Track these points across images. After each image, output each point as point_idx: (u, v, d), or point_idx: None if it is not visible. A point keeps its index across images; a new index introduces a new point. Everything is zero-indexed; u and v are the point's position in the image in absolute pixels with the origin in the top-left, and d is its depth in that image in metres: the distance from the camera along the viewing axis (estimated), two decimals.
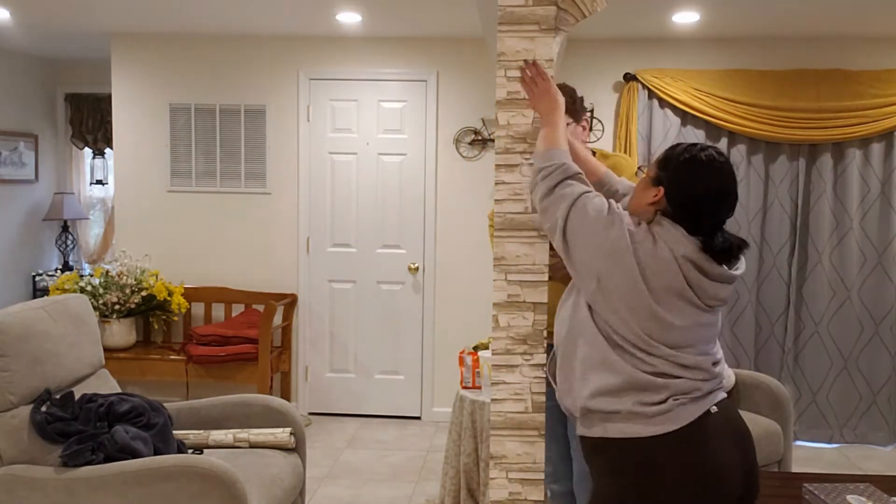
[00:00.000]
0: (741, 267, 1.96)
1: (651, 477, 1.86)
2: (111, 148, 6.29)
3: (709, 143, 1.98)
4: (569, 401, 2.02)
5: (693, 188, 1.89)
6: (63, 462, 2.69)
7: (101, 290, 4.91)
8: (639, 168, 2.14)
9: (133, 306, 4.96)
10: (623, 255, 1.87)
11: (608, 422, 1.90)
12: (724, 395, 1.97)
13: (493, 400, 2.27)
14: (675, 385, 1.88)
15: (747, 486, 1.92)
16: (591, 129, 2.65)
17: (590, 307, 1.94)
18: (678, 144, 1.98)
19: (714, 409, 1.90)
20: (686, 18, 4.44)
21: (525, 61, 2.23)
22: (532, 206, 2.19)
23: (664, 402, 1.87)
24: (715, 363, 1.96)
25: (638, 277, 1.86)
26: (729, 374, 4.02)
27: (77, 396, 2.91)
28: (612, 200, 1.98)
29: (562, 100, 2.18)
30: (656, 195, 1.93)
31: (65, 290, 4.92)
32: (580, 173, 2.04)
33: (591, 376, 1.93)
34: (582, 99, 2.64)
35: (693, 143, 1.98)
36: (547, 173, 2.03)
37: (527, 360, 2.26)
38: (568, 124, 2.50)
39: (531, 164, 2.15)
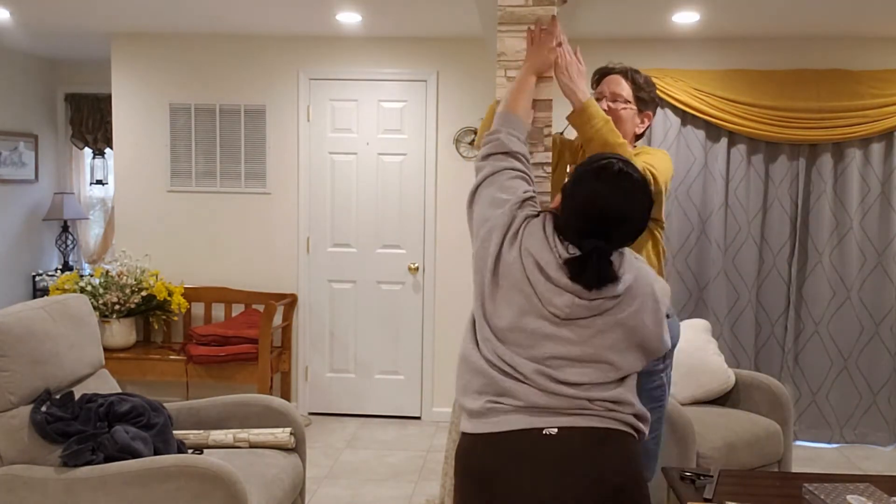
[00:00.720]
0: (611, 289, 1.80)
1: (470, 480, 1.81)
2: (111, 148, 6.29)
3: (626, 160, 1.88)
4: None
5: (574, 199, 1.84)
6: (63, 462, 2.69)
7: (101, 290, 4.91)
8: (567, 167, 2.16)
9: (133, 306, 4.96)
10: (494, 232, 1.89)
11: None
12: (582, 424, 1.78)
13: None
14: (508, 390, 1.79)
15: None
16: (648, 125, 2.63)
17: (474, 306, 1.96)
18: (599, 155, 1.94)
19: (552, 430, 1.74)
20: (686, 18, 4.44)
21: (531, 25, 2.23)
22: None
23: (483, 399, 1.82)
24: (572, 383, 1.78)
25: (496, 256, 1.87)
26: (729, 375, 4.03)
27: (77, 396, 2.91)
28: (528, 191, 1.95)
29: (548, 60, 2.19)
30: (558, 200, 1.92)
31: (65, 290, 4.92)
32: (509, 152, 2.01)
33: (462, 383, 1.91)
34: (649, 91, 2.59)
35: (608, 155, 1.89)
36: (489, 139, 2.06)
37: None
38: (621, 104, 2.52)
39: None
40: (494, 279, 1.85)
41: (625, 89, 2.54)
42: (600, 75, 2.63)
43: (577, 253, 1.80)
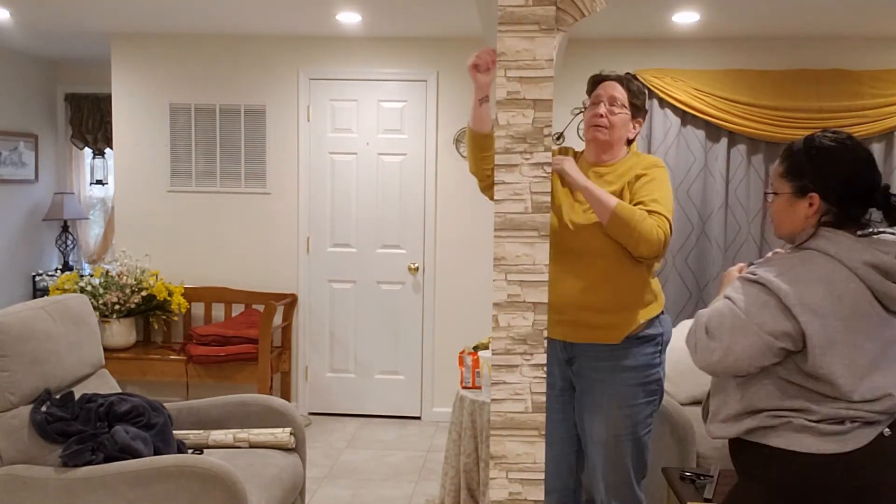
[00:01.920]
0: None
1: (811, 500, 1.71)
2: (111, 148, 6.29)
3: (819, 130, 1.85)
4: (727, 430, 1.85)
5: (843, 172, 1.73)
6: (63, 462, 2.69)
7: (101, 290, 4.91)
8: (765, 194, 2.09)
9: (133, 306, 4.96)
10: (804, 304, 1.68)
11: (756, 436, 1.77)
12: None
13: (493, 400, 2.27)
14: (834, 415, 1.71)
15: None
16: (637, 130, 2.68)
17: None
18: (789, 148, 1.85)
19: (887, 431, 1.73)
20: (686, 18, 4.44)
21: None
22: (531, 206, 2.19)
23: (842, 423, 1.71)
24: (877, 387, 1.75)
25: (830, 314, 1.68)
26: None
27: (77, 396, 2.91)
28: (745, 275, 1.79)
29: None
30: (811, 204, 1.75)
31: (65, 290, 4.92)
32: None
33: (753, 416, 1.78)
34: (641, 99, 2.63)
35: (804, 137, 1.84)
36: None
37: (527, 360, 2.26)
38: (617, 109, 2.56)
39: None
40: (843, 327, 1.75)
41: (621, 94, 2.57)
42: (596, 80, 2.65)
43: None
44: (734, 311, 1.73)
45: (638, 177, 2.49)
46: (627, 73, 4.95)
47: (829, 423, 1.71)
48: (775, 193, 1.84)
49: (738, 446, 1.85)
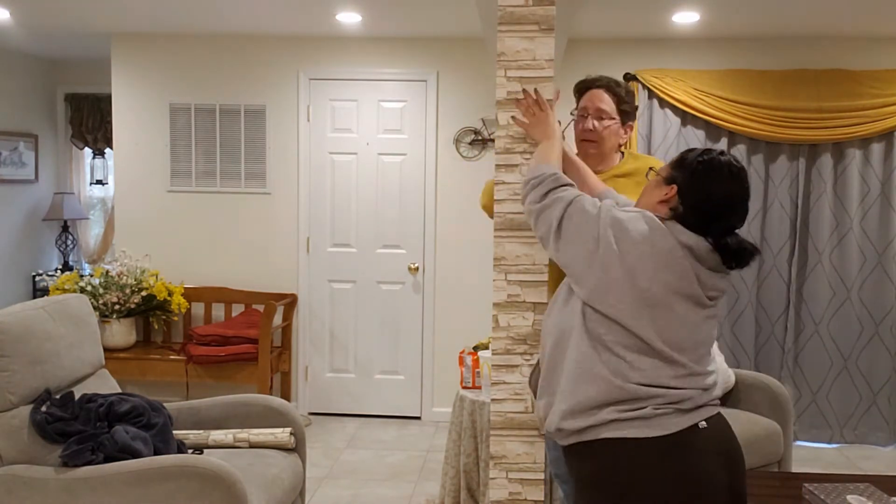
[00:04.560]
0: None
1: (624, 489, 1.77)
2: (111, 148, 6.29)
3: (722, 150, 1.97)
4: (547, 415, 1.93)
5: (708, 190, 1.87)
6: (63, 462, 2.69)
7: (101, 290, 4.91)
8: (649, 169, 2.13)
9: (133, 306, 4.96)
10: (616, 249, 1.83)
11: (583, 434, 1.84)
12: (718, 411, 1.89)
13: (493, 400, 2.27)
14: (660, 394, 1.80)
15: None
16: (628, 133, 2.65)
17: (582, 313, 1.87)
18: (694, 149, 1.97)
19: (703, 424, 1.82)
20: (686, 18, 4.44)
21: (524, 90, 2.24)
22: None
23: (644, 408, 1.79)
24: (707, 376, 1.88)
25: (636, 270, 1.81)
26: (729, 375, 4.02)
27: (77, 396, 2.91)
28: (606, 201, 1.95)
29: (558, 131, 2.20)
30: (667, 193, 1.90)
31: (65, 290, 4.92)
32: (572, 183, 2.04)
33: (572, 388, 1.85)
34: (630, 103, 2.60)
35: (710, 148, 1.96)
36: (539, 181, 2.03)
37: (527, 360, 2.26)
38: (607, 122, 2.52)
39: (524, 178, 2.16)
40: (649, 289, 1.88)
41: (608, 104, 2.53)
42: (582, 89, 2.60)
43: (736, 241, 1.88)
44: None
45: (641, 183, 2.47)
46: (627, 74, 4.98)
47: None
48: (656, 172, 2.00)
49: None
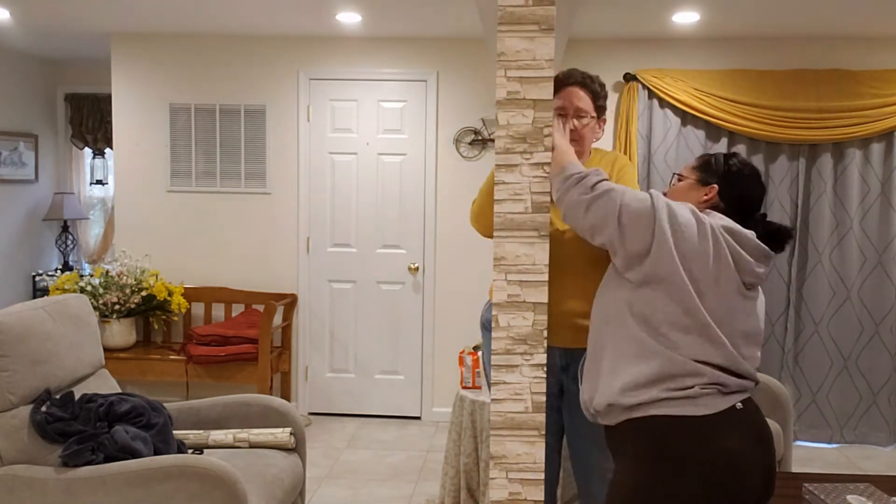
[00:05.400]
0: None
1: (673, 463, 1.87)
2: (111, 148, 6.29)
3: (734, 152, 2.20)
4: (594, 396, 2.03)
5: (742, 188, 2.11)
6: (63, 462, 2.69)
7: (101, 290, 4.91)
8: (673, 174, 2.21)
9: (133, 306, 4.96)
10: (671, 234, 1.96)
11: (633, 412, 1.94)
12: (749, 395, 2.00)
13: (493, 400, 2.27)
14: (707, 373, 1.91)
15: (765, 488, 1.94)
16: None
17: (628, 300, 1.99)
18: (713, 155, 2.19)
19: (740, 405, 1.93)
20: (686, 18, 4.44)
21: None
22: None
23: (691, 387, 1.90)
24: (747, 360, 1.98)
25: (687, 253, 1.95)
26: None
27: (77, 396, 2.91)
28: (653, 191, 2.07)
29: (563, 147, 2.24)
30: (707, 194, 2.11)
31: (65, 290, 4.92)
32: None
33: (622, 368, 1.96)
34: (605, 96, 2.60)
35: (727, 153, 2.19)
36: (583, 175, 2.12)
37: (527, 360, 2.26)
38: (586, 120, 2.52)
39: (553, 177, 2.20)
40: (696, 273, 2.02)
41: (585, 102, 2.50)
42: (557, 86, 2.54)
43: (776, 227, 2.10)
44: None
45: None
46: (627, 73, 4.97)
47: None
48: (681, 176, 2.21)
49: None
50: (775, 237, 2.06)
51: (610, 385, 1.97)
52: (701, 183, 2.14)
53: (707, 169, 2.15)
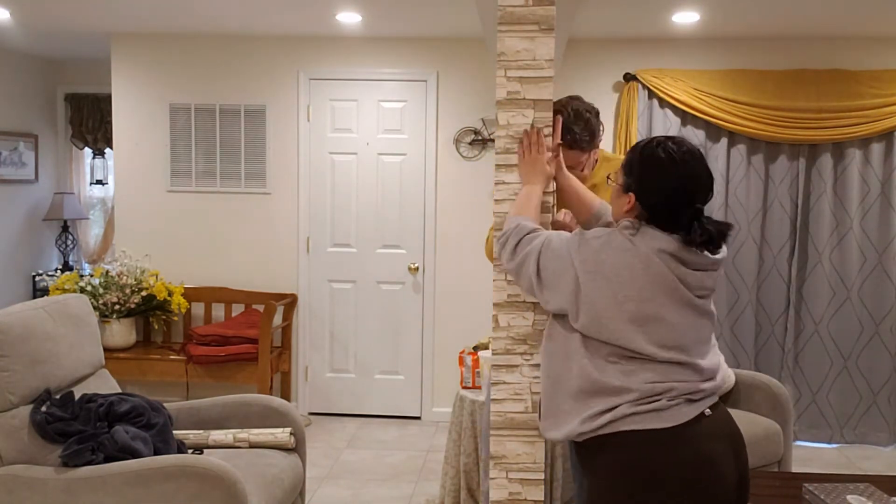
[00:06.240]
0: (723, 251, 1.94)
1: (645, 477, 1.83)
2: (111, 148, 6.29)
3: (668, 136, 1.96)
4: (558, 434, 1.97)
5: (658, 186, 1.89)
6: (63, 462, 2.69)
7: (101, 290, 4.91)
8: (608, 177, 2.15)
9: (133, 306, 4.96)
10: (598, 272, 1.88)
11: (600, 430, 1.89)
12: (717, 399, 1.95)
13: (493, 400, 2.27)
14: (673, 388, 1.86)
15: (740, 491, 1.92)
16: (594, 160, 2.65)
17: (582, 339, 1.92)
18: (637, 144, 1.98)
19: (708, 411, 1.89)
20: (686, 18, 4.44)
21: (526, 131, 2.22)
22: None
23: (658, 401, 1.86)
24: (711, 368, 1.93)
25: (621, 287, 1.85)
26: (729, 374, 4.03)
27: (77, 396, 2.91)
28: (575, 231, 1.99)
29: (547, 174, 2.18)
30: (629, 202, 1.93)
31: (65, 290, 4.92)
32: (537, 228, 2.06)
33: (583, 405, 1.91)
34: (597, 128, 2.55)
35: (652, 138, 1.96)
36: (506, 237, 2.09)
37: (527, 360, 2.26)
38: (580, 168, 2.51)
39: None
40: (639, 299, 1.91)
41: (574, 159, 2.50)
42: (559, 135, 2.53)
43: (700, 232, 1.88)
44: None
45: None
46: (628, 74, 4.97)
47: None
48: (613, 181, 2.04)
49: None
50: (713, 239, 1.87)
51: (573, 419, 1.92)
52: (624, 189, 1.96)
53: (629, 170, 1.96)
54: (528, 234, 2.04)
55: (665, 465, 1.83)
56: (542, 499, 2.26)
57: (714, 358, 1.96)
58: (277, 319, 5.29)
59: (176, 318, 5.34)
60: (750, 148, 4.97)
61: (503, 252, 2.09)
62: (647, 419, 1.85)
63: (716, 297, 4.94)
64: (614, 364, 1.89)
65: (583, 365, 1.91)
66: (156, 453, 2.82)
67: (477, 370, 3.81)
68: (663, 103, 4.96)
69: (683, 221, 1.87)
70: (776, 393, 3.86)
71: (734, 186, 4.98)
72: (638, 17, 4.46)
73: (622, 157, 2.61)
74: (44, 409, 2.79)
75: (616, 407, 1.86)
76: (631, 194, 1.93)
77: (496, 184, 2.29)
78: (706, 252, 1.89)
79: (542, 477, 2.26)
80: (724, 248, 1.94)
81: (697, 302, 1.90)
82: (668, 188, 1.88)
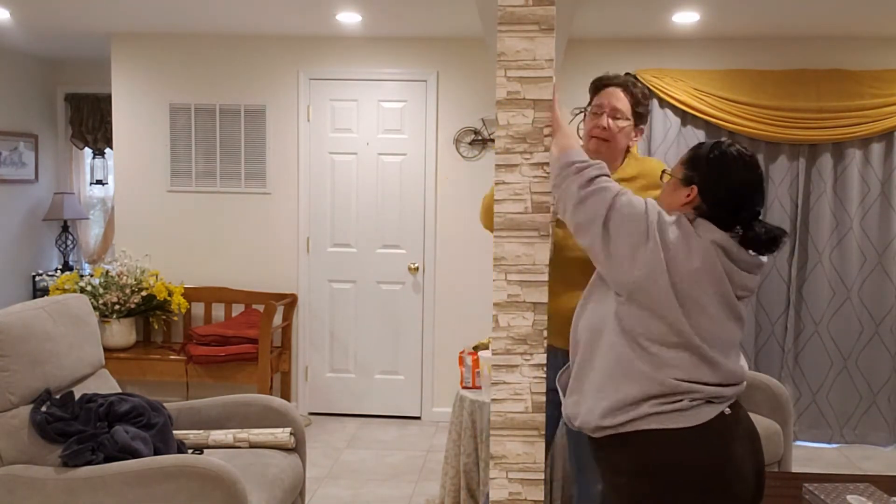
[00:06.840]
0: (765, 257, 1.98)
1: (667, 474, 1.85)
2: (111, 148, 6.29)
3: (729, 140, 2.00)
4: (578, 415, 1.99)
5: (727, 182, 1.92)
6: (63, 462, 2.69)
7: (101, 290, 4.91)
8: (662, 172, 2.11)
9: (133, 306, 4.96)
10: (661, 246, 1.87)
11: (620, 427, 1.90)
12: (736, 399, 1.97)
13: (493, 400, 2.27)
14: (697, 390, 1.87)
15: (757, 488, 1.93)
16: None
17: (616, 313, 1.92)
18: (702, 143, 2.00)
19: (727, 410, 1.91)
20: (686, 18, 4.44)
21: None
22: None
23: (681, 401, 1.87)
24: (737, 372, 1.94)
25: (675, 269, 1.85)
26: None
27: (77, 396, 2.91)
28: (648, 200, 1.96)
29: (567, 130, 2.14)
30: (689, 195, 1.95)
31: (65, 290, 4.92)
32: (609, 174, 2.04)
33: (609, 390, 1.91)
34: (646, 105, 2.53)
35: (718, 140, 2.00)
36: (584, 166, 2.01)
37: (527, 360, 2.26)
38: (622, 122, 2.47)
39: (553, 161, 2.10)
40: (685, 286, 1.92)
41: (624, 103, 2.45)
42: (598, 86, 2.52)
43: (764, 230, 1.93)
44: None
45: (646, 187, 2.43)
46: (628, 74, 4.97)
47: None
48: (670, 175, 2.04)
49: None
50: (769, 242, 1.92)
51: (596, 406, 1.93)
52: (684, 182, 1.97)
53: (693, 164, 1.97)
54: (606, 174, 2.00)
55: (687, 463, 1.84)
56: (542, 499, 2.26)
57: (740, 362, 1.98)
58: (277, 319, 5.29)
59: (176, 318, 5.34)
60: (750, 148, 4.96)
61: (574, 177, 2.00)
62: (670, 418, 1.86)
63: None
64: (645, 349, 1.88)
65: (615, 345, 1.91)
66: (156, 453, 2.82)
67: (477, 370, 3.81)
68: (663, 103, 4.96)
69: (743, 220, 1.91)
70: (776, 393, 3.87)
71: None
72: (638, 18, 4.46)
73: (652, 159, 2.58)
74: (44, 409, 2.79)
75: (638, 404, 1.87)
76: (693, 187, 1.94)
77: (496, 184, 2.28)
78: (754, 253, 1.92)
79: (542, 477, 2.26)
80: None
81: (735, 301, 1.93)
82: (735, 186, 1.91)
